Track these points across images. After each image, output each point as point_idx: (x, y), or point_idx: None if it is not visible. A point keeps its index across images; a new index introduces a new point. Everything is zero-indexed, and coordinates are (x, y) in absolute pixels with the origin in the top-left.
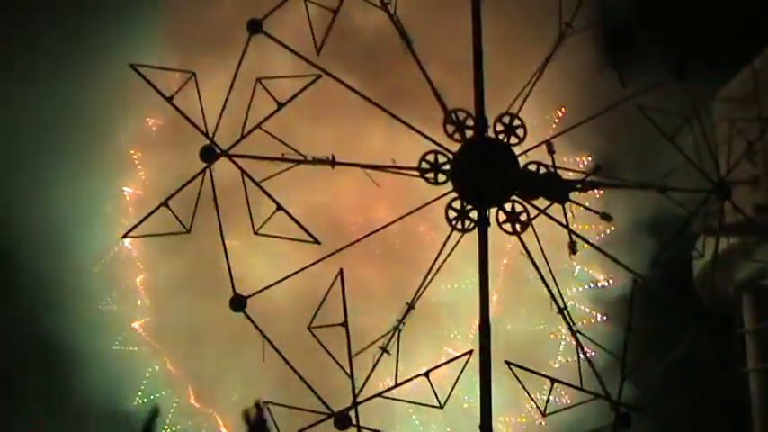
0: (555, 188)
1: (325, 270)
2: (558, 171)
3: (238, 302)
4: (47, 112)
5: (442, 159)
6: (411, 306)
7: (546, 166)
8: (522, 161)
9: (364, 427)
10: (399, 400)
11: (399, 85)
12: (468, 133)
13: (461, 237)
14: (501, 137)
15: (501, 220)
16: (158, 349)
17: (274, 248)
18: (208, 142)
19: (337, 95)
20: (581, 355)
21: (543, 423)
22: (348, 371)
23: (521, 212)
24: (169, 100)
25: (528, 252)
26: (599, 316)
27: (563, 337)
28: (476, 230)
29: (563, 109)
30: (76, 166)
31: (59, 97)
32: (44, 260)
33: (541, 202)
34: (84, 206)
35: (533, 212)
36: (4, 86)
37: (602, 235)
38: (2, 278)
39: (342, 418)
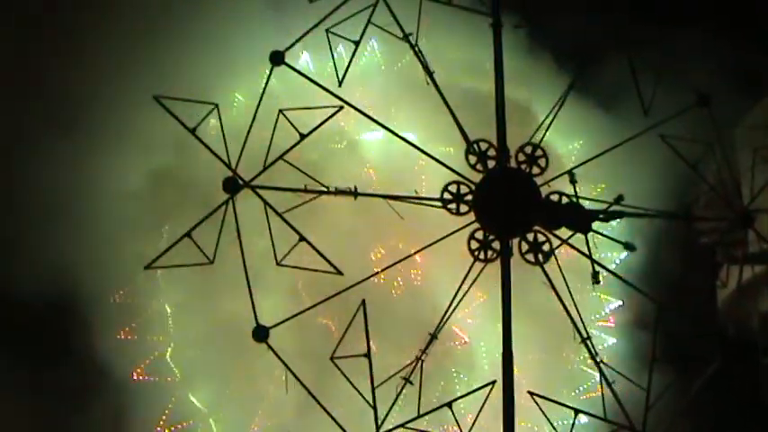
0: (577, 218)
1: None
2: (581, 201)
3: (261, 333)
4: None
5: (464, 190)
6: (434, 336)
7: (568, 195)
8: (544, 191)
9: None
10: (423, 431)
11: None
12: (491, 163)
13: (484, 267)
14: (523, 167)
15: (524, 250)
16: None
17: None
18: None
19: None
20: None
21: None
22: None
23: (543, 242)
24: (192, 131)
25: (551, 282)
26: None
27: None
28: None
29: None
30: None
31: None
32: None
33: (564, 232)
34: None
35: (556, 243)
36: None
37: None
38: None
39: None
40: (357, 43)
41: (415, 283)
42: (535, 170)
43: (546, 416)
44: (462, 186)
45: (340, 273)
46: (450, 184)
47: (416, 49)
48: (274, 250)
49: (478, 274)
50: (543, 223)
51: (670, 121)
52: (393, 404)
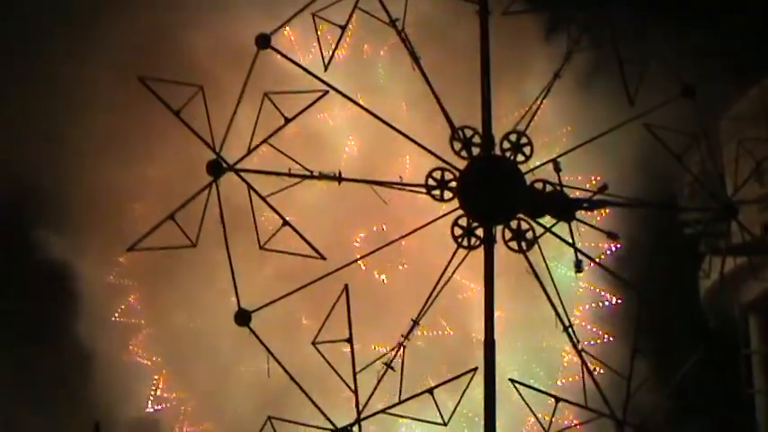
0: (561, 206)
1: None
2: (565, 189)
3: (243, 317)
4: None
5: (448, 176)
6: (416, 322)
7: (552, 184)
8: (528, 179)
9: None
10: (403, 416)
11: None
12: (475, 150)
13: (467, 254)
14: (508, 154)
15: (507, 237)
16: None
17: None
18: (214, 156)
19: None
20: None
21: None
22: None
23: (527, 230)
24: (176, 113)
25: (534, 270)
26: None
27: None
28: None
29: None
30: None
31: None
32: None
33: (548, 221)
34: None
35: (539, 231)
36: None
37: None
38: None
39: None
40: (344, 28)
41: None
42: (520, 158)
43: (527, 403)
44: (446, 173)
45: (323, 257)
46: (434, 170)
47: (403, 35)
48: (257, 234)
49: (461, 261)
50: (527, 211)
51: (655, 111)
52: (374, 390)
